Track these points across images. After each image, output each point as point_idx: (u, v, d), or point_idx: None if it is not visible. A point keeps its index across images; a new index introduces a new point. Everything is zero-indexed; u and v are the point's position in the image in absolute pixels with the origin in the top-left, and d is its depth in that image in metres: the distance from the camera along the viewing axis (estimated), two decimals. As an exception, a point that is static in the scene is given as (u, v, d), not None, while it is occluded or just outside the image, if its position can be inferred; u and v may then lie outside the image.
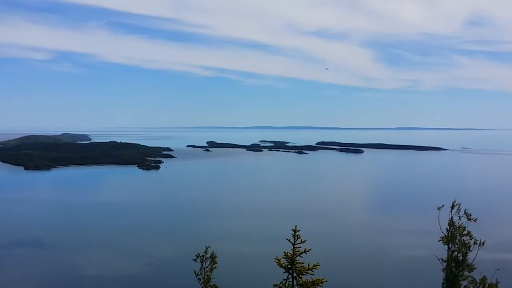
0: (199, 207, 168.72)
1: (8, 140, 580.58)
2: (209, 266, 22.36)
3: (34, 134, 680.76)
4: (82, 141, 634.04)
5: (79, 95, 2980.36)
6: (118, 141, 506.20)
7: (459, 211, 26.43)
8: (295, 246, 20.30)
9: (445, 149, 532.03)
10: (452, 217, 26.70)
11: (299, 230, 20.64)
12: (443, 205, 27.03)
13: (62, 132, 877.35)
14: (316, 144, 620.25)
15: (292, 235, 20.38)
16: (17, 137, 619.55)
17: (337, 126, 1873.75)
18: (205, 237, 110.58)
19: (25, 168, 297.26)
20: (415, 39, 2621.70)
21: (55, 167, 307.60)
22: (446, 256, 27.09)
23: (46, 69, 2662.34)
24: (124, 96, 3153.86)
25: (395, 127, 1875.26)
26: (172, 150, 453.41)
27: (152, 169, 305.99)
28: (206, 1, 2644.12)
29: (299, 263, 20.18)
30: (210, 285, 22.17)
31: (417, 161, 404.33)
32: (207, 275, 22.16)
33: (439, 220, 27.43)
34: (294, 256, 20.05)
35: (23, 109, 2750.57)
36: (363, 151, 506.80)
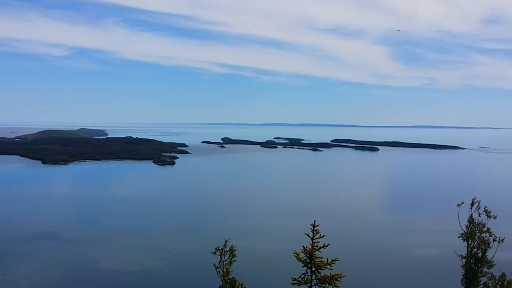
0: (214, 203, 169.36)
1: (26, 134, 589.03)
2: (228, 259, 22.60)
3: (52, 129, 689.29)
4: (98, 136, 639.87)
5: (95, 91, 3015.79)
6: (134, 137, 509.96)
7: (479, 208, 26.37)
8: (314, 240, 20.47)
9: (462, 148, 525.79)
10: (471, 214, 26.67)
11: (318, 225, 20.80)
12: (462, 202, 26.98)
13: (79, 127, 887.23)
14: (331, 141, 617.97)
15: (311, 230, 20.56)
16: (35, 131, 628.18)
17: (352, 124, 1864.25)
18: (220, 233, 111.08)
19: (43, 163, 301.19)
20: (431, 37, 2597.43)
21: (72, 161, 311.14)
22: (466, 253, 27.05)
23: (63, 65, 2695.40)
24: (140, 92, 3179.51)
25: (411, 125, 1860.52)
26: (187, 146, 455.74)
27: (167, 164, 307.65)
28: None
29: (317, 257, 20.37)
30: (229, 278, 22.42)
31: (434, 160, 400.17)
32: (226, 268, 22.43)
33: (458, 217, 27.30)
34: (313, 250, 20.24)
35: (41, 104, 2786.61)
36: (378, 149, 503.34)
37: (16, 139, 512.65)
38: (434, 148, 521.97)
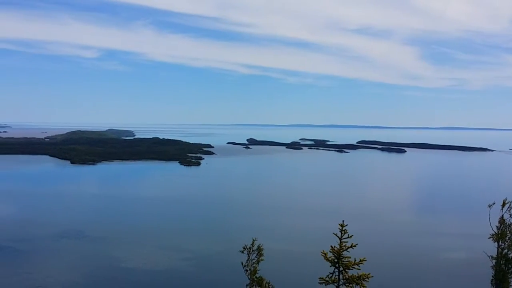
0: (239, 204, 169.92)
1: (56, 135, 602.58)
2: (256, 258, 22.78)
3: (81, 130, 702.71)
4: (126, 137, 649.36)
5: (124, 92, 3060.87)
6: (161, 138, 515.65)
7: (510, 209, 26.12)
8: (342, 240, 20.51)
9: (491, 150, 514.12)
10: (502, 215, 26.44)
11: (346, 225, 20.82)
12: (494, 203, 26.72)
13: (107, 128, 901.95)
14: (357, 142, 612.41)
15: (339, 230, 20.60)
16: (64, 132, 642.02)
17: (379, 125, 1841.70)
18: (245, 234, 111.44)
19: (72, 162, 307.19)
20: (461, 37, 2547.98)
21: (100, 161, 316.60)
22: (496, 254, 26.82)
23: (94, 66, 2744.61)
24: (167, 94, 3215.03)
25: (439, 126, 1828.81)
26: (212, 147, 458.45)
27: (193, 165, 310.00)
28: (249, 0, 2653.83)
29: (345, 257, 20.39)
30: (256, 277, 22.61)
31: (462, 162, 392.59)
32: (253, 266, 22.62)
33: (489, 218, 26.98)
34: (341, 250, 20.27)
35: (71, 105, 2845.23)
36: (405, 151, 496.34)
37: (46, 140, 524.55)
38: (463, 150, 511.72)
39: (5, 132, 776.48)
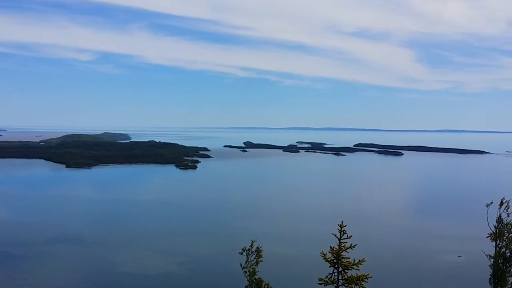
0: (236, 207, 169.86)
1: (51, 138, 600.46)
2: (255, 260, 22.72)
3: (76, 133, 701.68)
4: (122, 140, 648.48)
5: (120, 95, 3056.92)
6: (157, 141, 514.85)
7: (508, 208, 26.67)
8: (341, 241, 20.48)
9: (488, 153, 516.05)
10: (500, 214, 26.92)
11: (345, 225, 20.80)
12: (491, 202, 27.02)
13: (103, 131, 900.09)
14: (354, 145, 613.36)
15: (338, 230, 20.57)
16: (60, 135, 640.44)
17: (376, 128, 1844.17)
18: (243, 237, 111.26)
19: (67, 166, 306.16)
20: (458, 40, 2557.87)
21: (96, 165, 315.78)
22: (494, 253, 27.18)
23: (89, 69, 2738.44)
24: (163, 97, 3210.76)
25: (436, 129, 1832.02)
26: (209, 150, 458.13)
27: (189, 168, 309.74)
28: (245, 3, 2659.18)
29: (344, 258, 20.37)
30: (255, 278, 22.54)
31: (459, 165, 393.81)
32: (252, 268, 22.54)
33: (487, 217, 27.27)
34: (340, 251, 20.25)
35: (66, 108, 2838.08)
36: (402, 154, 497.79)
37: (41, 143, 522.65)
38: (460, 153, 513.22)
39: (0, 136, 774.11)
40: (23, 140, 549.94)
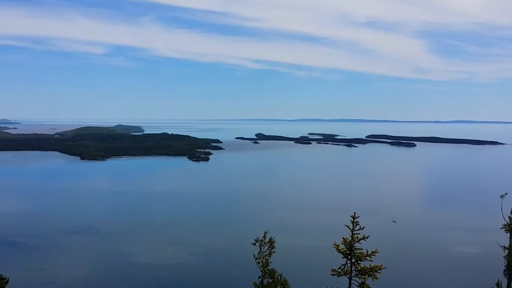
0: (248, 199, 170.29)
1: (66, 131, 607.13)
2: (268, 251, 22.85)
3: (90, 125, 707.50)
4: (135, 132, 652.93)
5: (133, 88, 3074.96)
6: (170, 133, 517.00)
7: (523, 199, 26.31)
8: (354, 232, 20.50)
9: (502, 144, 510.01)
10: (515, 206, 26.52)
11: (358, 217, 20.79)
12: (506, 193, 26.70)
13: (116, 124, 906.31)
14: (366, 137, 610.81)
15: (351, 222, 20.58)
16: (74, 128, 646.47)
17: (388, 119, 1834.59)
18: (255, 228, 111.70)
19: (81, 158, 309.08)
20: (470, 29, 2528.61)
21: (110, 157, 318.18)
22: (509, 244, 26.90)
23: (102, 62, 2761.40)
24: (175, 89, 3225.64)
25: (449, 120, 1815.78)
26: (221, 142, 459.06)
27: (201, 160, 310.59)
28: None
29: (357, 249, 20.39)
30: (268, 269, 22.68)
31: (473, 156, 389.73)
32: (265, 259, 22.68)
33: (501, 209, 26.96)
34: (353, 242, 20.27)
35: (80, 101, 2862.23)
36: (415, 145, 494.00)
37: (55, 136, 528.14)
38: (474, 144, 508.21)
39: (15, 128, 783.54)
40: (38, 132, 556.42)
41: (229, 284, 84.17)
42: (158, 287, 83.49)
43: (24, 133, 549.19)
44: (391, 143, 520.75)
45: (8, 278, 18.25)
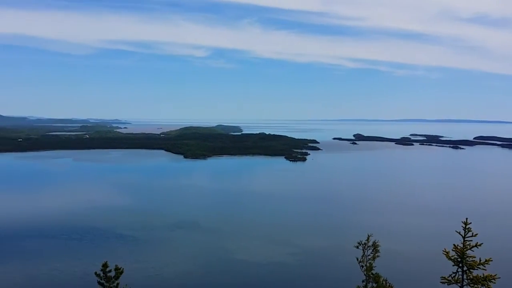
0: (349, 200, 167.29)
1: (170, 130, 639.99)
2: (371, 254, 22.48)
3: (192, 125, 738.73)
4: (234, 132, 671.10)
5: (232, 89, 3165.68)
6: (267, 133, 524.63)
7: None
8: (466, 239, 19.52)
9: None
10: None
11: (470, 223, 19.77)
12: None
13: (216, 124, 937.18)
14: (474, 138, 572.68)
15: (462, 228, 19.62)
16: (178, 128, 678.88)
17: (498, 120, 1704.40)
18: (355, 231, 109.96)
19: (185, 157, 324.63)
20: None
21: (210, 156, 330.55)
22: None
23: (204, 65, 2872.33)
24: (273, 90, 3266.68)
25: None
26: (318, 143, 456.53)
27: (298, 160, 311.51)
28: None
29: (469, 256, 19.39)
30: (372, 273, 22.31)
31: None
32: (369, 262, 22.33)
33: None
34: (465, 249, 19.31)
35: (183, 101, 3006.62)
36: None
37: (161, 135, 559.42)
38: None
39: (125, 128, 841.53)
40: (146, 132, 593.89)
41: (331, 286, 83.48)
42: (258, 286, 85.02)
43: (134, 132, 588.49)
44: (502, 146, 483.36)
45: (123, 269, 19.75)
